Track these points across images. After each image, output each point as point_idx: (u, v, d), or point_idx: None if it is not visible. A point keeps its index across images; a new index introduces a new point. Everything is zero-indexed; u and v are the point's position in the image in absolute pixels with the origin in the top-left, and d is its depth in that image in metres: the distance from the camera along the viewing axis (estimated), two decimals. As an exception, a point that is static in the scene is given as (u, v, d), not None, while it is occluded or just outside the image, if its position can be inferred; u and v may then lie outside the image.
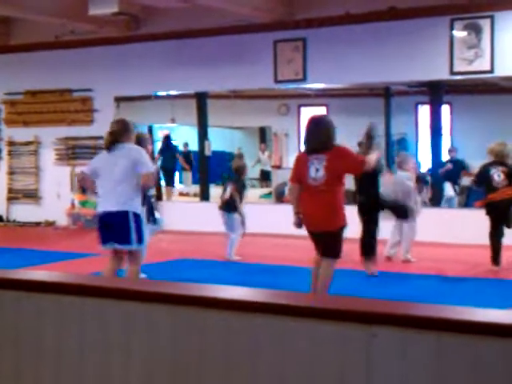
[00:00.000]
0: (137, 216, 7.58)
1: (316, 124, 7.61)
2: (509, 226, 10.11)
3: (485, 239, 10.13)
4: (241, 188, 11.18)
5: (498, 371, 2.51)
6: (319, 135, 7.45)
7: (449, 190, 14.74)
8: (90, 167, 7.94)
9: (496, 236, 10.07)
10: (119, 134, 7.76)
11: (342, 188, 7.52)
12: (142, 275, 8.56)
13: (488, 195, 10.11)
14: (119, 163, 7.61)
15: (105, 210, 7.65)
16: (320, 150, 7.37)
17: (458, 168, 15.34)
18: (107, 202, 7.64)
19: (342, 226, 7.43)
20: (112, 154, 7.72)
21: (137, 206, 7.62)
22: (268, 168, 20.61)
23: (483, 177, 10.20)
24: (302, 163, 7.52)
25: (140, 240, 7.62)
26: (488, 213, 10.12)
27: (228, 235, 11.08)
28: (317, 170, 7.30)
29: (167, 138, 19.40)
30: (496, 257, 10.04)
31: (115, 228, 7.61)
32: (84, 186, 8.42)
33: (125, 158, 7.62)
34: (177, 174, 19.65)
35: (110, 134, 7.82)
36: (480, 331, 2.53)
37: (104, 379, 3.24)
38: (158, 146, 19.22)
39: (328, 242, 7.42)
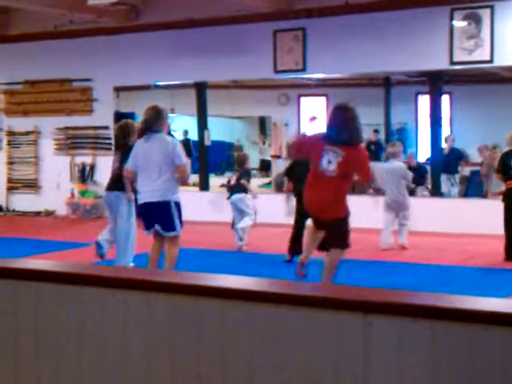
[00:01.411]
0: (177, 204, 7.86)
1: (345, 113, 7.21)
2: None
3: (483, 229, 10.12)
4: (245, 177, 11.33)
5: (493, 360, 2.52)
6: (345, 127, 7.09)
7: (444, 185, 14.71)
8: (131, 161, 8.07)
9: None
10: (152, 121, 7.85)
11: (351, 180, 7.44)
12: (131, 264, 8.64)
13: (506, 182, 10.02)
14: (156, 152, 7.79)
15: (146, 201, 7.80)
16: (341, 144, 7.06)
17: (455, 157, 15.34)
18: (148, 192, 7.85)
19: (346, 214, 7.34)
20: (148, 142, 7.85)
21: (176, 195, 7.87)
22: (268, 157, 20.64)
23: (503, 165, 10.11)
24: (317, 146, 7.18)
25: (181, 224, 7.97)
26: (504, 199, 10.01)
27: (238, 224, 11.16)
28: (329, 162, 7.05)
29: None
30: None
31: (159, 217, 7.86)
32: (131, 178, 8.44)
33: (161, 147, 7.79)
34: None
35: (144, 122, 7.92)
36: (476, 320, 2.54)
37: (102, 367, 3.25)
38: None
39: (333, 231, 7.35)
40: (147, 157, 7.80)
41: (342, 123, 7.13)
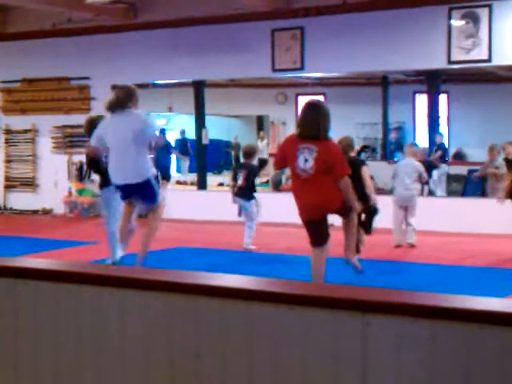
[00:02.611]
0: (155, 177, 7.86)
1: (317, 109, 7.29)
2: None
3: (482, 228, 10.08)
4: (253, 172, 11.02)
5: (492, 359, 2.52)
6: (318, 122, 7.15)
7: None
8: (96, 138, 7.90)
9: None
10: (124, 98, 7.75)
11: (332, 174, 7.34)
12: (108, 261, 8.45)
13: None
14: (127, 129, 7.62)
15: (125, 183, 7.75)
16: (314, 139, 7.11)
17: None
18: (124, 173, 7.72)
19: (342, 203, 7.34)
20: (118, 119, 7.73)
21: (152, 169, 7.82)
22: (265, 156, 20.65)
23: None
24: (290, 149, 7.23)
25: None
26: None
27: (245, 223, 10.92)
28: (306, 161, 7.06)
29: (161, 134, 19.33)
30: None
31: (140, 193, 7.87)
32: (93, 156, 8.32)
33: (131, 123, 7.64)
34: (172, 169, 19.57)
35: (116, 99, 7.76)
36: (475, 319, 2.54)
37: (101, 365, 3.25)
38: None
39: (324, 229, 7.35)
40: (118, 135, 7.64)
41: (315, 119, 7.18)
